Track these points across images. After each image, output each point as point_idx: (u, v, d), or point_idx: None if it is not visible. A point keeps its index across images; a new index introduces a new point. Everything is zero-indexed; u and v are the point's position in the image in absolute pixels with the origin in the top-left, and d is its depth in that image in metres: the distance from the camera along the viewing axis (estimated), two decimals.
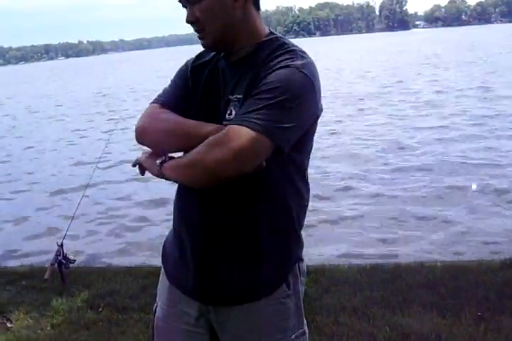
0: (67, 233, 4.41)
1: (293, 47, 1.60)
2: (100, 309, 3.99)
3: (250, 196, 1.61)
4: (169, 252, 1.82)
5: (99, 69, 68.43)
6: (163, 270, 1.85)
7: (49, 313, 3.98)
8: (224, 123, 1.55)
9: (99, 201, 8.51)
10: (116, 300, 4.13)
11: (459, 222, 6.44)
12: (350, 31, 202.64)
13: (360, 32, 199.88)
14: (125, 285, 4.42)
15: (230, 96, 1.60)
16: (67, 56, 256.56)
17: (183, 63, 1.80)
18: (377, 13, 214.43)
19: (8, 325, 3.86)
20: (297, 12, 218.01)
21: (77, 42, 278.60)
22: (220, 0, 1.57)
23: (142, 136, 1.69)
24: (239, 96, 1.58)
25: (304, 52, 1.61)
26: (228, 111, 1.59)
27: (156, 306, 1.85)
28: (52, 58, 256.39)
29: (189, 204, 1.70)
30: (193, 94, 1.70)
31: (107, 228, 7.32)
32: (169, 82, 1.80)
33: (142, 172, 1.71)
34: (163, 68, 43.38)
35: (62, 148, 14.00)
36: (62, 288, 4.35)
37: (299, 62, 1.54)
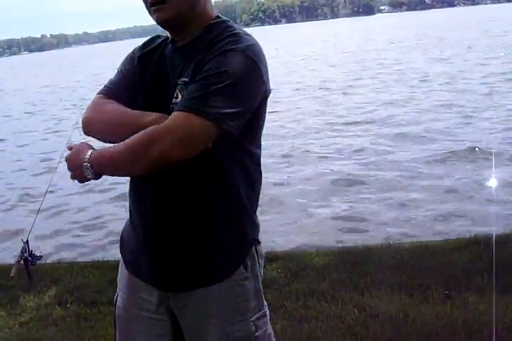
0: (33, 230, 4.35)
1: (237, 30, 1.59)
2: (68, 305, 3.94)
3: (201, 183, 1.60)
4: (126, 241, 1.82)
5: (59, 63, 67.39)
6: (122, 260, 1.84)
7: (16, 311, 3.92)
8: (171, 107, 1.55)
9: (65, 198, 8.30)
10: (84, 294, 4.08)
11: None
12: (316, 17, 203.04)
13: (325, 18, 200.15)
14: (93, 279, 4.38)
15: (177, 80, 1.59)
16: (31, 51, 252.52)
17: (129, 52, 1.79)
18: None
19: None
20: (262, 0, 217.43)
21: (40, 36, 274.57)
22: None
23: (88, 127, 1.68)
24: (185, 79, 1.57)
25: (249, 35, 1.60)
26: (175, 95, 1.58)
27: (117, 296, 1.84)
28: (15, 53, 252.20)
29: (141, 192, 1.69)
30: (141, 82, 1.68)
31: (70, 223, 7.22)
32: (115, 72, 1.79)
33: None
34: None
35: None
36: (29, 286, 4.28)
37: (242, 45, 1.52)
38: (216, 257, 1.65)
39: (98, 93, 1.73)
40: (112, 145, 1.56)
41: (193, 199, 1.61)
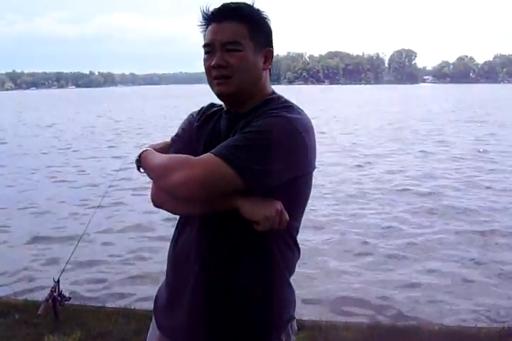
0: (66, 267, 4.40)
1: (291, 104, 1.67)
2: None
3: (240, 258, 1.64)
4: (161, 305, 1.82)
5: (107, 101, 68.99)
6: (154, 321, 1.85)
7: None
8: None
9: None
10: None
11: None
12: (359, 81, 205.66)
13: (368, 83, 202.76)
14: (118, 326, 4.36)
15: None
16: (78, 85, 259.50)
17: (187, 115, 1.88)
18: (387, 65, 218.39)
19: None
20: (307, 59, 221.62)
21: (88, 72, 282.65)
22: (255, 55, 1.66)
23: (156, 205, 1.76)
24: None
25: (301, 110, 1.66)
26: None
27: None
28: (62, 86, 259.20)
29: (186, 257, 1.70)
30: (197, 146, 1.74)
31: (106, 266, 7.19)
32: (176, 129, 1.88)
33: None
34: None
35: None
36: (54, 325, 4.29)
37: (291, 116, 1.58)
38: (253, 335, 1.66)
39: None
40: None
41: (234, 277, 1.63)
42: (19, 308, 4.74)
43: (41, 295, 4.55)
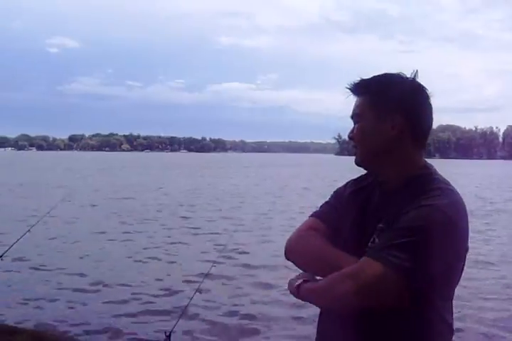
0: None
1: (442, 185, 1.62)
2: None
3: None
4: None
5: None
6: None
7: None
8: (366, 250, 1.61)
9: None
10: None
11: None
12: (471, 156, 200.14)
13: (480, 158, 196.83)
14: None
15: (377, 225, 1.65)
16: (190, 150, 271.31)
17: (342, 184, 1.91)
18: (501, 140, 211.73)
19: None
20: None
21: (200, 138, 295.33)
22: (373, 125, 1.69)
23: (290, 254, 1.80)
24: (381, 225, 1.63)
25: (453, 190, 1.62)
26: (371, 240, 1.64)
27: None
28: (175, 150, 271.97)
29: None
30: (344, 219, 1.76)
31: None
32: (327, 197, 1.91)
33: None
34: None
35: None
36: None
37: (443, 202, 1.54)
38: None
39: (313, 215, 1.85)
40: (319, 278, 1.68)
41: None
42: None
43: None
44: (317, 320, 1.81)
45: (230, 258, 10.80)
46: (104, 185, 31.18)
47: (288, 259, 1.80)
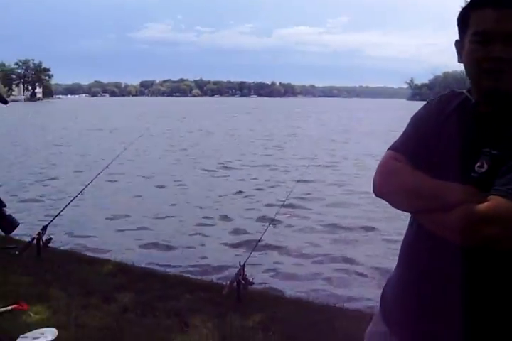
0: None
1: None
2: (271, 333, 4.03)
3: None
4: (400, 304, 1.63)
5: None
6: (383, 317, 1.71)
7: (222, 326, 4.12)
8: (473, 176, 1.45)
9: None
10: (287, 328, 4.14)
11: None
12: None
13: None
14: (297, 316, 4.44)
15: (482, 149, 1.46)
16: (259, 95, 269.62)
17: (421, 107, 1.70)
18: None
19: (185, 328, 4.06)
20: None
21: (270, 83, 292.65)
22: None
23: (381, 193, 1.60)
24: (493, 151, 1.44)
25: None
26: (479, 164, 1.45)
27: None
28: (245, 95, 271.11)
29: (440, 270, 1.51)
30: (436, 143, 1.57)
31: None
32: (405, 126, 1.69)
33: None
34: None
35: None
36: (236, 306, 4.49)
37: None
38: None
39: (390, 149, 1.65)
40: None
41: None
42: (205, 287, 5.03)
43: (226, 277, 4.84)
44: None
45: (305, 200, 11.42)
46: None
47: (379, 196, 1.60)
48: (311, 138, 28.76)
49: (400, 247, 1.68)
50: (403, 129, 1.68)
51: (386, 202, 1.59)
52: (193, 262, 7.24)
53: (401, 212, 1.56)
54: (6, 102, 3.19)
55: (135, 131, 17.31)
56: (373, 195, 1.62)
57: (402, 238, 1.67)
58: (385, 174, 1.60)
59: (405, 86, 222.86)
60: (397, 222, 7.84)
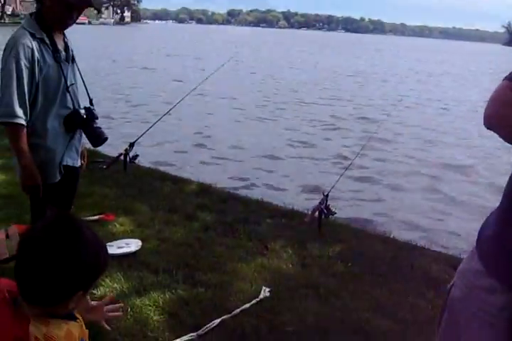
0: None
1: None
2: (350, 264, 4.00)
3: None
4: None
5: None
6: (475, 256, 1.66)
7: (302, 253, 4.12)
8: None
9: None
10: (366, 261, 4.09)
11: None
12: None
13: None
14: (377, 250, 4.36)
15: None
16: (347, 30, 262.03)
17: None
18: None
19: (265, 252, 4.08)
20: None
21: (359, 18, 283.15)
22: None
23: (492, 124, 1.52)
24: None
25: None
26: None
27: (452, 285, 1.72)
28: (332, 29, 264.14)
29: None
30: None
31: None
32: None
33: None
34: None
35: None
36: (316, 234, 4.47)
37: None
38: None
39: (506, 78, 1.53)
40: None
41: None
42: (286, 214, 5.03)
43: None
44: None
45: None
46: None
47: (489, 128, 1.52)
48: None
49: (504, 186, 1.57)
50: None
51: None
52: (274, 191, 7.24)
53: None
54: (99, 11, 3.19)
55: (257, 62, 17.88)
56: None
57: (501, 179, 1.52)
58: (498, 105, 1.48)
59: (502, 30, 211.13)
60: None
